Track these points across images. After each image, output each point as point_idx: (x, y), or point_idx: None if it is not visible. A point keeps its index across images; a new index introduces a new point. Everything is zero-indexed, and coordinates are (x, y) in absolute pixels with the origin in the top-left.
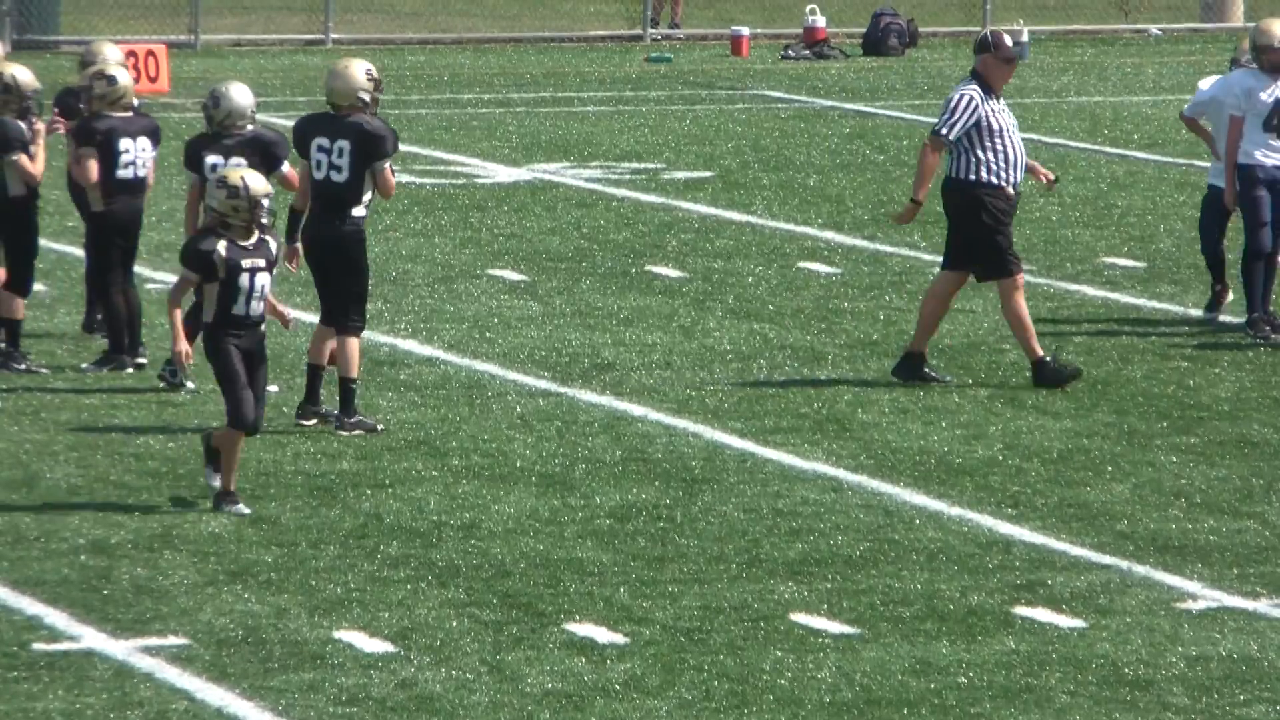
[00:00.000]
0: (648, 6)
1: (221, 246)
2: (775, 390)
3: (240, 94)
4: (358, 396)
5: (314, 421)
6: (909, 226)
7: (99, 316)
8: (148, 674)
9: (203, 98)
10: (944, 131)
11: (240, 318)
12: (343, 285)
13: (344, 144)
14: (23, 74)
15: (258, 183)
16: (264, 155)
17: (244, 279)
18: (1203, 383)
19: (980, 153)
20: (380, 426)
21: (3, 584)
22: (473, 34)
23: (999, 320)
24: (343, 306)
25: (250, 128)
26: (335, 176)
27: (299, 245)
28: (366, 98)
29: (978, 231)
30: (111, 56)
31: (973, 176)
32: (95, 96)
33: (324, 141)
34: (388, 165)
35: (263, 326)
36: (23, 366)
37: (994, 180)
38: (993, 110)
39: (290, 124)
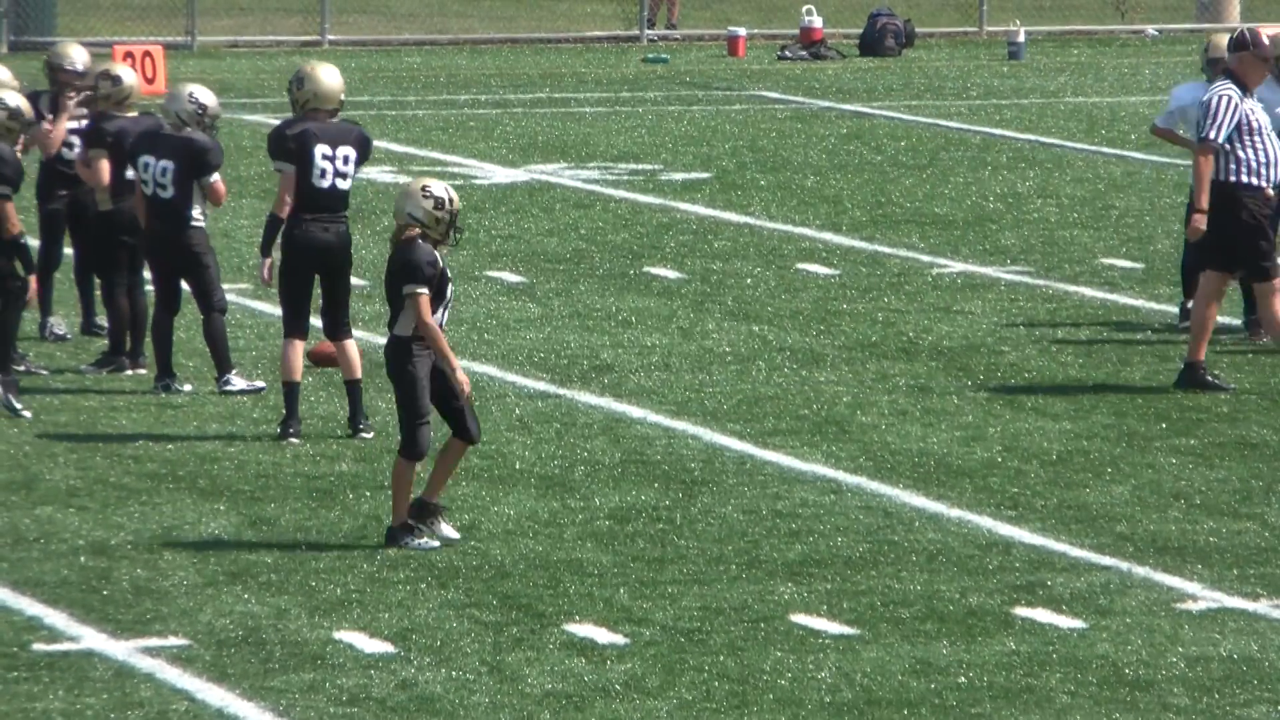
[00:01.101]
0: (644, 7)
1: (439, 256)
2: (774, 392)
3: (176, 96)
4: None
5: (299, 441)
6: (907, 227)
7: (97, 318)
8: (148, 674)
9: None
10: (1212, 135)
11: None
12: (339, 290)
13: (349, 152)
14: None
15: (456, 196)
16: (194, 161)
17: (449, 288)
18: None
19: (1240, 152)
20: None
21: (3, 585)
22: (469, 35)
23: (997, 322)
24: (336, 312)
25: (188, 130)
26: (340, 184)
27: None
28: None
29: (1238, 233)
30: (78, 58)
31: (1233, 178)
32: (100, 96)
33: (326, 149)
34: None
35: None
36: (22, 368)
37: (1253, 181)
38: (1250, 109)
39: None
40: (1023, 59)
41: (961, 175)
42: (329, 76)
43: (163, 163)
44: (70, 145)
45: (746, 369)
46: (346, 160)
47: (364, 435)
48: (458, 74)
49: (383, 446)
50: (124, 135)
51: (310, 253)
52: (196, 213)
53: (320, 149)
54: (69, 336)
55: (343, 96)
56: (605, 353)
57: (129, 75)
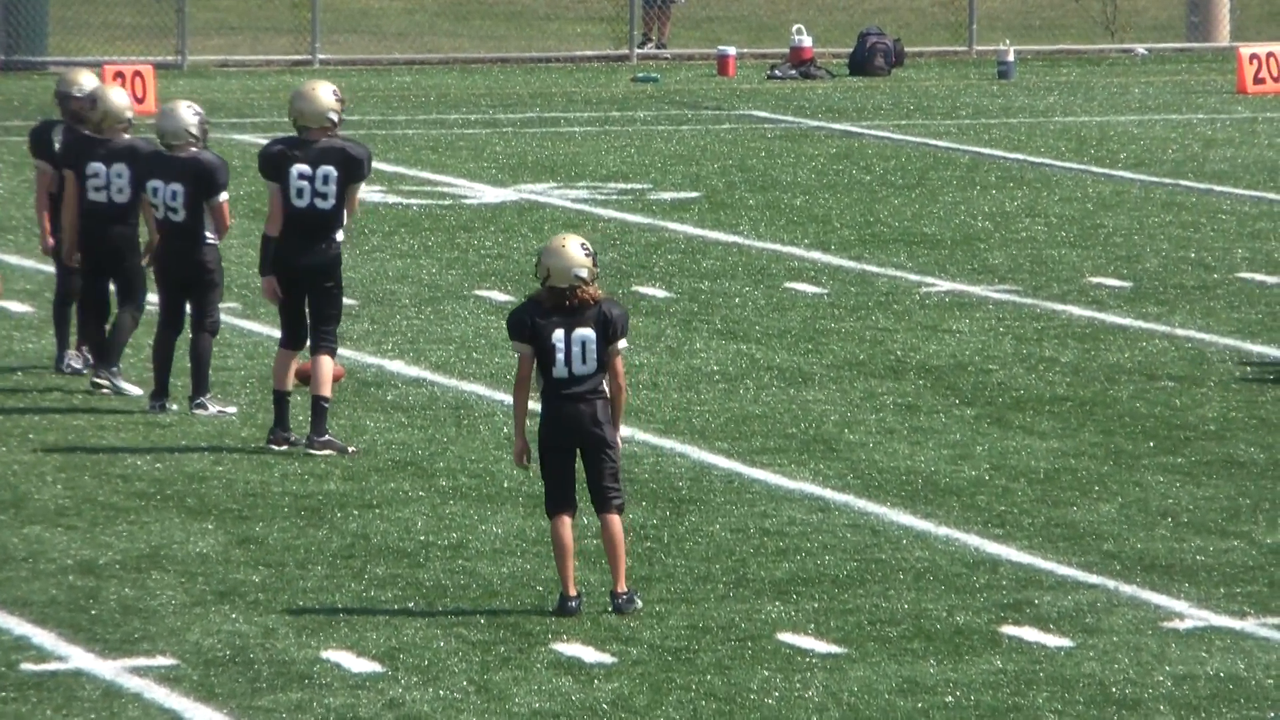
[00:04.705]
0: (634, 27)
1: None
2: (762, 410)
3: (117, 96)
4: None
5: (285, 447)
6: (895, 246)
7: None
8: (136, 694)
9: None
10: None
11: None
12: (323, 308)
13: (329, 170)
14: None
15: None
16: (201, 181)
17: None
18: (1189, 403)
19: None
20: (352, 449)
21: None
22: (460, 54)
23: (985, 341)
24: (319, 328)
25: (193, 149)
26: (321, 204)
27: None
28: (336, 118)
29: None
30: (87, 84)
31: None
32: (86, 119)
33: (304, 169)
34: (360, 187)
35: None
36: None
37: None
38: None
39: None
40: (1012, 78)
41: (950, 194)
42: (315, 95)
43: (172, 186)
44: None
45: (734, 388)
46: (327, 180)
47: (310, 452)
48: (448, 93)
49: (370, 466)
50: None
51: (290, 272)
52: (209, 231)
53: (297, 168)
54: (85, 371)
55: (333, 115)
56: None
57: (117, 97)
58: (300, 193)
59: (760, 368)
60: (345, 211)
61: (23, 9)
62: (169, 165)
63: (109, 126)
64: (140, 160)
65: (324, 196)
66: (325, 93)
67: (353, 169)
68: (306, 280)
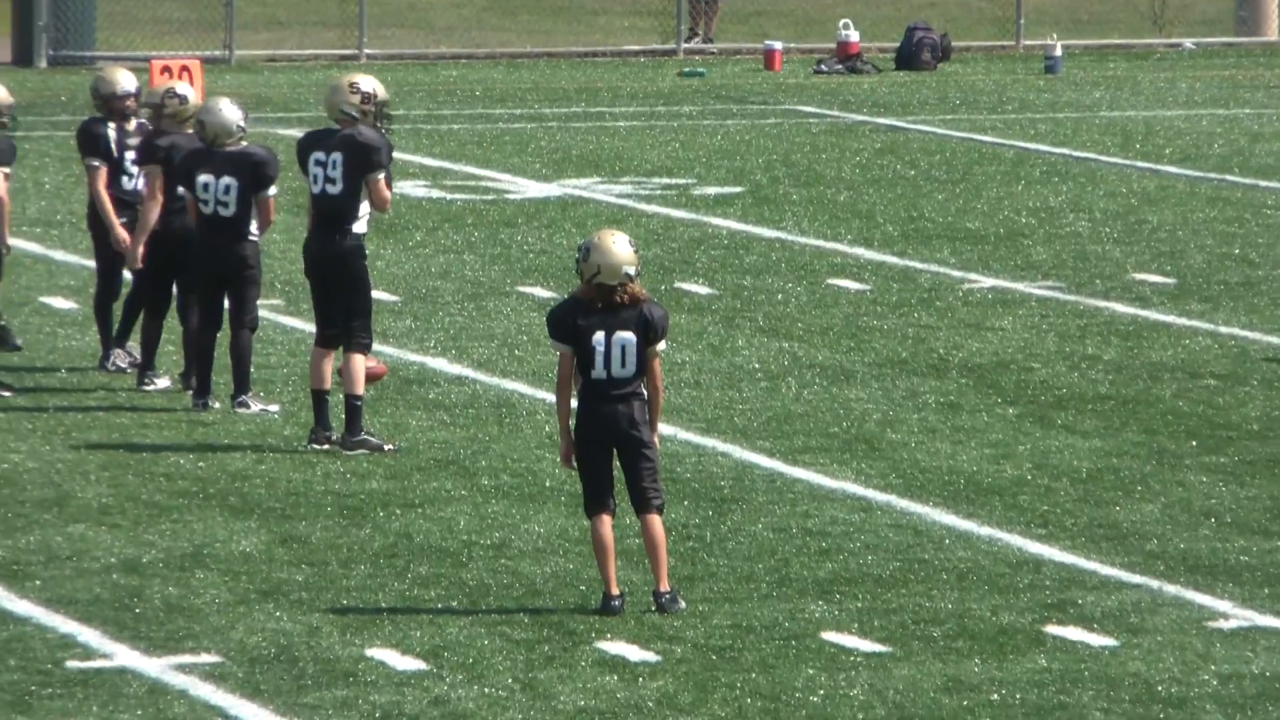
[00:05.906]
0: (681, 21)
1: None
2: (804, 409)
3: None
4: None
5: (326, 446)
6: (939, 242)
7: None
8: (181, 691)
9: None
10: None
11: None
12: (347, 302)
13: (337, 156)
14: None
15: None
16: (254, 175)
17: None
18: (1232, 401)
19: None
20: (389, 446)
21: (36, 602)
22: (506, 49)
23: (1028, 338)
24: (347, 324)
25: (244, 144)
26: (330, 189)
27: None
28: (354, 111)
29: None
30: (126, 81)
31: None
32: (167, 115)
33: (320, 155)
34: (381, 177)
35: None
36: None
37: None
38: None
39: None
40: (1059, 73)
41: (994, 190)
42: (338, 85)
43: (224, 180)
44: (130, 174)
45: (776, 386)
46: (336, 165)
47: (345, 451)
48: (494, 88)
49: (412, 465)
50: (176, 150)
51: (308, 261)
52: (253, 227)
53: (314, 155)
54: (130, 371)
55: (348, 109)
56: None
57: (192, 93)
58: (315, 179)
59: (802, 365)
60: (365, 202)
61: (70, 4)
62: (220, 160)
63: (185, 121)
64: (194, 156)
65: (333, 182)
66: (345, 84)
67: (361, 155)
68: (325, 271)
